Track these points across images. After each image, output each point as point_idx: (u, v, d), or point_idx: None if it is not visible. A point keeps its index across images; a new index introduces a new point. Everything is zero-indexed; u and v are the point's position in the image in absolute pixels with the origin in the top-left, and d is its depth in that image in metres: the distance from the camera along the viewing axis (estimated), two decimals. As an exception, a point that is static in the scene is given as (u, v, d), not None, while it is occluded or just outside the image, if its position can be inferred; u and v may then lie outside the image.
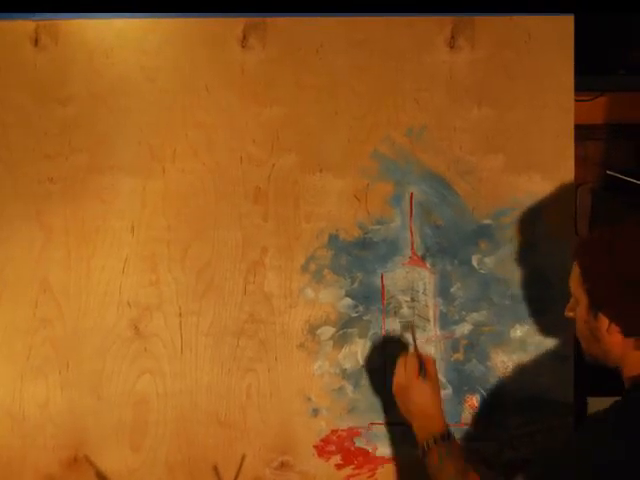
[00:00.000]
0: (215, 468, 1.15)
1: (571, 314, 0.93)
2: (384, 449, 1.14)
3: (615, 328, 0.83)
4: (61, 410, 1.17)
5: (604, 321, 0.84)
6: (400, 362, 1.03)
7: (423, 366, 1.01)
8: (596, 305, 0.85)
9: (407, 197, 1.16)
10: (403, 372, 1.01)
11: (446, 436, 0.97)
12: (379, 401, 1.15)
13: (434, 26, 1.16)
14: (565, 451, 0.85)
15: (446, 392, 1.14)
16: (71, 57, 1.18)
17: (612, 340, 0.84)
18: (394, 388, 1.03)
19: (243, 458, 1.15)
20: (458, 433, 1.14)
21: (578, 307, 0.89)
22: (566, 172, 1.15)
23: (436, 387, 1.01)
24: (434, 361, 1.04)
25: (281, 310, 1.16)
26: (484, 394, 1.15)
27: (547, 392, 1.14)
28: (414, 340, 1.05)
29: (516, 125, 1.15)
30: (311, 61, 1.16)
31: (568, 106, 1.15)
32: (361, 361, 1.15)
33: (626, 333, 0.83)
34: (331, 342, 1.15)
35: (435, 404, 1.00)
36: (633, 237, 0.84)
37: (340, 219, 1.16)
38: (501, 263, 1.15)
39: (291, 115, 1.16)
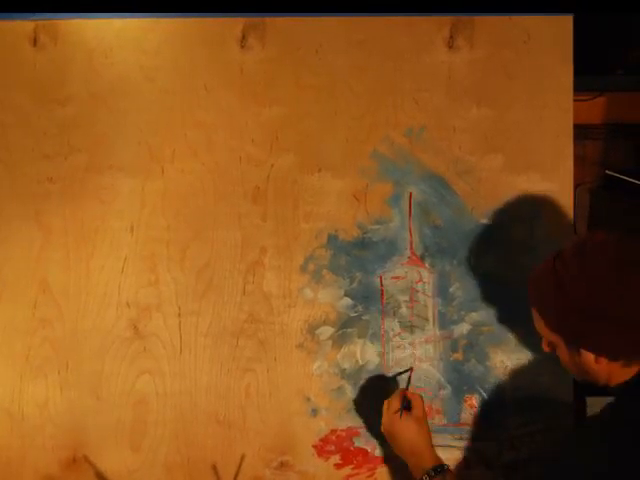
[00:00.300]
0: (214, 468, 1.15)
1: (548, 349, 0.92)
2: (383, 449, 1.14)
3: (602, 359, 0.81)
4: (60, 410, 1.17)
5: (589, 355, 0.82)
6: (385, 403, 1.05)
7: (410, 403, 1.03)
8: (573, 344, 0.84)
9: (406, 197, 1.16)
10: (386, 411, 1.03)
11: (438, 469, 0.98)
12: (379, 401, 1.15)
13: (433, 26, 1.16)
14: (563, 452, 0.86)
15: (445, 392, 1.15)
16: (70, 57, 1.18)
17: (601, 368, 0.83)
18: (382, 428, 1.04)
19: (242, 458, 1.15)
20: (457, 433, 1.15)
21: (557, 348, 0.88)
22: (565, 172, 1.15)
23: (422, 423, 1.02)
24: (422, 398, 1.05)
25: (280, 310, 1.16)
26: (483, 394, 1.15)
27: (547, 392, 1.14)
28: (408, 381, 1.08)
29: (515, 125, 1.16)
30: (310, 61, 1.16)
31: (567, 106, 1.15)
32: (360, 361, 1.15)
33: (614, 358, 0.81)
34: (330, 342, 1.15)
35: (422, 440, 1.01)
36: (577, 265, 0.81)
37: (339, 219, 1.16)
38: (500, 263, 1.15)
39: (290, 115, 1.16)
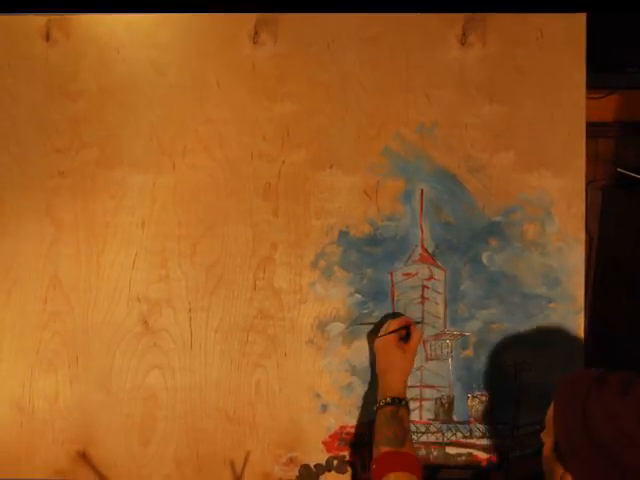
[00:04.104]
0: (224, 463, 1.15)
1: (543, 439, 0.87)
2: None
3: (568, 477, 0.77)
4: (70, 404, 1.17)
5: (559, 469, 0.79)
6: (389, 320, 1.09)
7: (409, 335, 1.07)
8: (559, 452, 0.79)
9: (417, 194, 1.16)
10: (385, 328, 1.08)
11: (396, 401, 1.01)
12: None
13: (445, 23, 1.16)
14: None
15: (455, 389, 1.15)
16: (82, 52, 1.18)
17: None
18: (375, 341, 1.09)
19: (247, 455, 1.15)
20: (466, 430, 1.14)
21: (545, 444, 0.84)
22: (577, 170, 1.15)
23: (411, 355, 1.06)
24: (421, 335, 1.10)
25: (290, 306, 1.16)
26: (493, 391, 1.14)
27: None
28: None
29: (527, 122, 1.15)
30: (322, 57, 1.16)
31: (580, 104, 1.14)
32: (370, 357, 1.15)
33: None
34: (340, 338, 1.15)
35: (400, 370, 1.05)
36: (609, 403, 0.74)
37: (350, 215, 1.16)
38: (511, 260, 1.15)
39: (302, 111, 1.16)
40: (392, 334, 1.07)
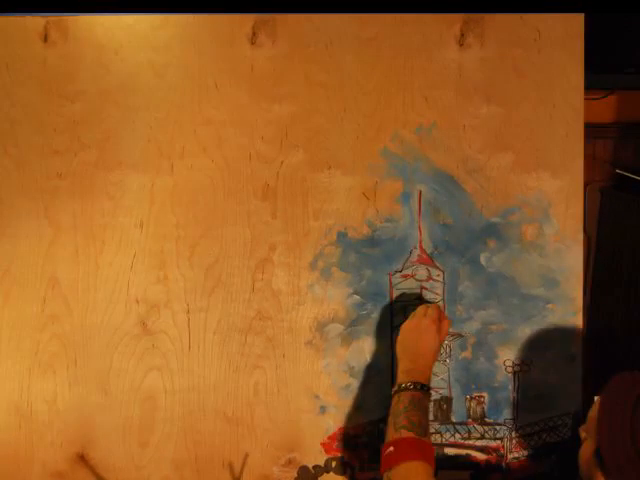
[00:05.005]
0: (222, 465, 1.15)
1: (583, 434, 0.86)
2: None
3: None
4: (69, 406, 1.17)
5: (600, 477, 0.78)
6: (422, 307, 1.05)
7: (440, 324, 1.03)
8: (600, 458, 0.78)
9: (416, 195, 1.16)
10: (423, 315, 1.02)
11: (427, 388, 0.97)
12: (387, 400, 1.15)
13: (443, 24, 1.16)
14: None
15: (454, 390, 1.15)
16: (80, 53, 1.18)
17: None
18: (408, 323, 1.03)
19: (246, 457, 1.15)
20: (465, 431, 1.14)
21: (585, 442, 0.83)
22: (575, 171, 1.15)
23: (439, 345, 1.02)
24: (450, 323, 1.06)
25: (289, 307, 1.16)
26: (491, 392, 1.14)
27: (555, 391, 1.14)
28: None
29: (525, 123, 1.15)
30: (320, 58, 1.16)
31: (578, 105, 1.14)
32: (369, 359, 1.15)
33: None
34: (339, 339, 1.15)
35: (434, 356, 1.01)
36: None
37: (348, 216, 1.16)
38: (509, 261, 1.15)
39: (300, 112, 1.16)
40: (434, 315, 1.02)
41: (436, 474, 1.08)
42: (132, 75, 1.18)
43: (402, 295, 1.15)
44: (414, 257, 1.15)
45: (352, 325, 1.15)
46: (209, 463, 1.16)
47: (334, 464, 1.15)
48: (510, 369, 1.14)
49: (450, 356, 1.15)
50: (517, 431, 1.14)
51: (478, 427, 1.15)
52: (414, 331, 1.02)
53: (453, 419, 1.15)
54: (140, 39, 1.18)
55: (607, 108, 1.40)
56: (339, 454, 1.15)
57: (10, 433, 1.17)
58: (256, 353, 1.16)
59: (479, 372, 1.14)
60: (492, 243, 1.15)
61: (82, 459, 1.16)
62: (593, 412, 0.81)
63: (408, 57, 1.16)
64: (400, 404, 0.95)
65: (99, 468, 1.16)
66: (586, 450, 0.82)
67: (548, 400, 1.14)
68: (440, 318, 1.04)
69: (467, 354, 1.15)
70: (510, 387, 1.14)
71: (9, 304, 1.18)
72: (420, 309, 1.05)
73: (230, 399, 1.16)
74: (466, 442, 1.15)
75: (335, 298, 1.16)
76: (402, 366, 1.00)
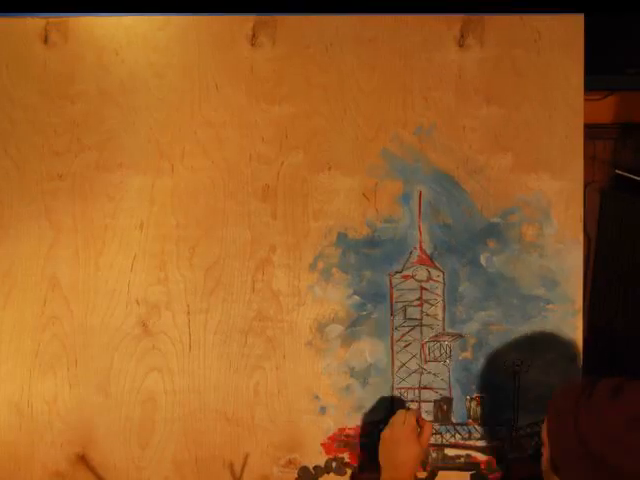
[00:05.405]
0: (222, 465, 1.15)
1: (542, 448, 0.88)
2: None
3: None
4: (69, 407, 1.17)
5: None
6: (400, 413, 1.04)
7: (420, 430, 1.02)
8: (554, 464, 0.81)
9: (416, 196, 1.16)
10: (401, 424, 1.02)
11: None
12: (386, 400, 1.15)
13: (443, 24, 1.16)
14: None
15: (454, 390, 1.15)
16: (80, 54, 1.18)
17: None
18: (388, 433, 1.02)
19: (246, 457, 1.15)
20: (465, 431, 1.15)
21: (543, 452, 0.85)
22: (575, 171, 1.15)
23: (421, 452, 1.01)
24: (432, 431, 1.05)
25: (289, 308, 1.16)
26: (492, 393, 1.14)
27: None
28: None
29: (525, 124, 1.15)
30: (320, 59, 1.16)
31: (578, 105, 1.15)
32: (369, 359, 1.15)
33: None
34: (339, 340, 1.15)
35: (415, 462, 1.00)
36: (598, 408, 0.75)
37: (349, 217, 1.16)
38: (509, 262, 1.15)
39: (300, 113, 1.16)
40: (409, 428, 1.01)
41: (436, 475, 1.09)
42: (132, 76, 1.18)
43: (402, 296, 1.15)
44: (414, 258, 1.15)
45: (352, 326, 1.15)
46: (209, 464, 1.16)
47: (334, 464, 1.15)
48: (510, 369, 1.14)
49: (450, 357, 1.15)
50: (517, 432, 1.14)
51: (478, 428, 1.15)
52: (394, 441, 1.01)
53: (453, 420, 1.15)
54: (140, 40, 1.18)
55: (607, 108, 1.39)
56: (339, 454, 1.15)
57: (11, 433, 1.17)
58: (256, 354, 1.16)
59: (479, 373, 1.14)
60: (492, 243, 1.15)
61: (82, 460, 1.16)
62: (544, 426, 0.84)
63: (408, 58, 1.16)
64: None
65: (99, 469, 1.16)
66: (544, 462, 0.85)
67: (547, 400, 1.14)
68: (420, 423, 1.03)
69: (467, 355, 1.15)
70: (510, 387, 1.14)
71: (10, 305, 1.18)
72: (398, 416, 1.03)
73: (230, 400, 1.16)
74: (466, 442, 1.15)
75: (335, 299, 1.16)
76: (385, 475, 1.00)
